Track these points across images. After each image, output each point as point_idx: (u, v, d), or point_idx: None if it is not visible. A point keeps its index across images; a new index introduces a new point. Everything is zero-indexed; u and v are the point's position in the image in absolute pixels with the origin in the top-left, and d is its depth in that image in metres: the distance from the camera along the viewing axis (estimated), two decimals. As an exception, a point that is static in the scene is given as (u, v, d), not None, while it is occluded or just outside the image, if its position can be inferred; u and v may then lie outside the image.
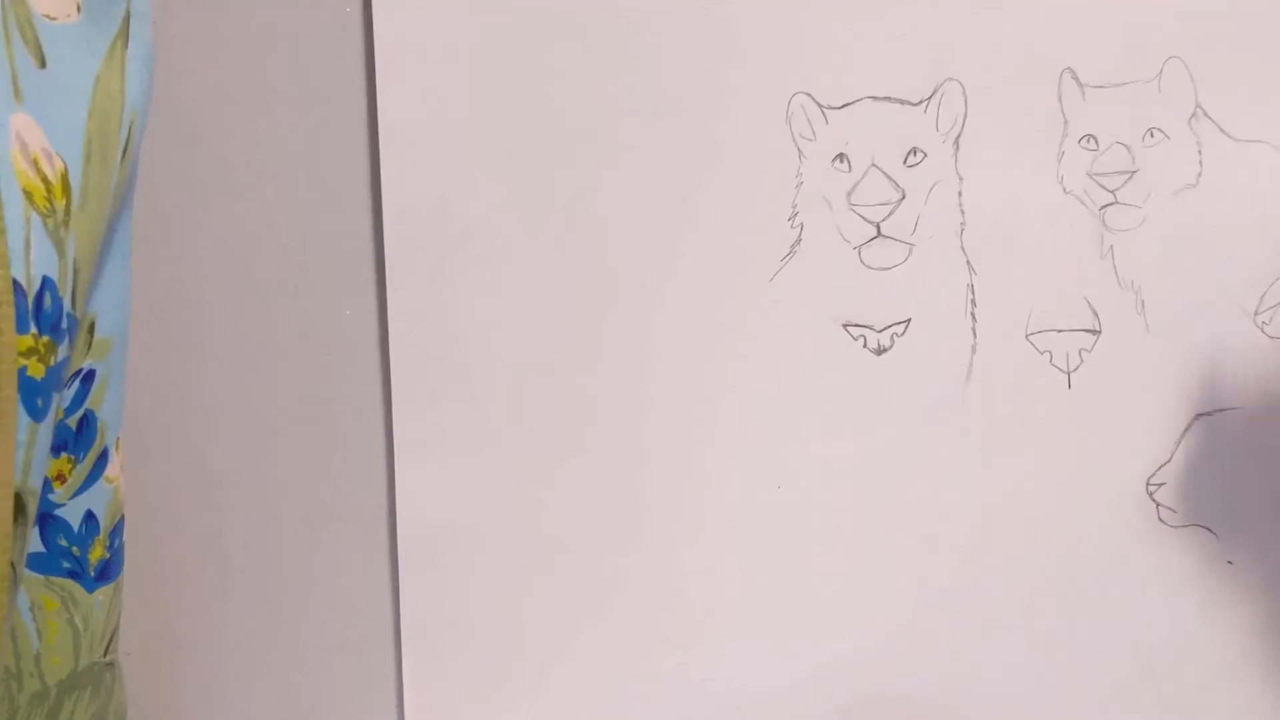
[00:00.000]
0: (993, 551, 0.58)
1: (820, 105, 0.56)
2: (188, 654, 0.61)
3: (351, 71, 0.57)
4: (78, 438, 0.36)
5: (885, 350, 0.57)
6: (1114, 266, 0.56)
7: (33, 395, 0.29)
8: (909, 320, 0.57)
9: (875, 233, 0.56)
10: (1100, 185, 0.56)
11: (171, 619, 0.60)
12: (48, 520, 0.36)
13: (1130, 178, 0.56)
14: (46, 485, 0.36)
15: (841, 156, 0.56)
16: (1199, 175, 0.56)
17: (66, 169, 0.31)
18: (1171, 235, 0.56)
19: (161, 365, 0.58)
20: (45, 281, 0.29)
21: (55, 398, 0.31)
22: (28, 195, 0.29)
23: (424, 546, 0.59)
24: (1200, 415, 0.57)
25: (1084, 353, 0.57)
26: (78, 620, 0.38)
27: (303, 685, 0.61)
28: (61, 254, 0.30)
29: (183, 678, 0.61)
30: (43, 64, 0.31)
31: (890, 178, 0.56)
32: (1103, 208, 0.56)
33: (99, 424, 0.37)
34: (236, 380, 0.59)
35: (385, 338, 0.58)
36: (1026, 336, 0.57)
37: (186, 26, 0.56)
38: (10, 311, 0.28)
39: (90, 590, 0.38)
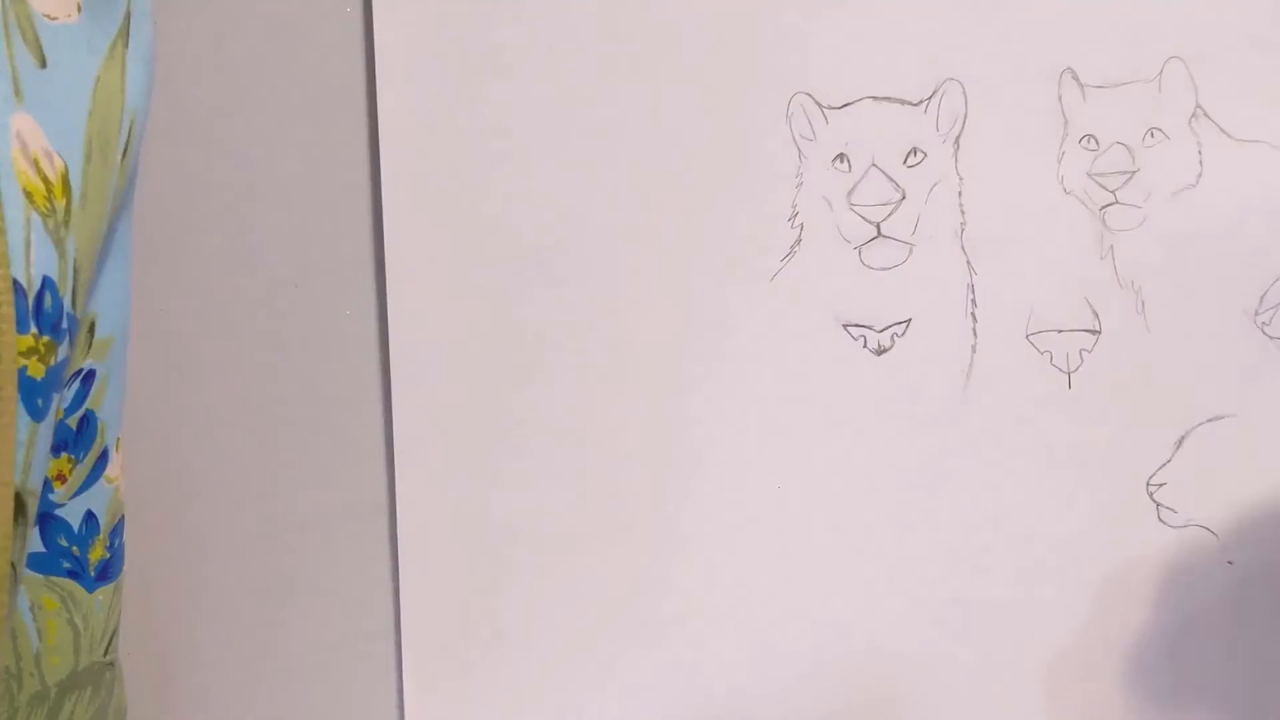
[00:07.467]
0: (993, 551, 0.58)
1: (820, 105, 0.56)
2: (188, 653, 0.61)
3: (351, 71, 0.57)
4: (78, 438, 0.36)
5: (885, 350, 0.57)
6: (1114, 266, 0.56)
7: (33, 395, 0.29)
8: (909, 320, 0.57)
9: (875, 233, 0.56)
10: (1100, 185, 0.56)
11: (171, 618, 0.60)
12: (48, 520, 0.36)
13: (1130, 178, 0.56)
14: (47, 485, 0.36)
15: (841, 156, 0.56)
16: (1199, 175, 0.56)
17: (67, 169, 0.31)
18: (1171, 235, 0.56)
19: (161, 365, 0.58)
20: (45, 281, 0.29)
21: (55, 398, 0.31)
22: (28, 195, 0.29)
23: (424, 546, 0.59)
24: (1200, 415, 0.57)
25: (1084, 353, 0.57)
26: (78, 620, 0.38)
27: (303, 685, 0.61)
28: (61, 254, 0.30)
29: (183, 677, 0.61)
30: (43, 64, 0.31)
31: (890, 178, 0.56)
32: (1103, 208, 0.56)
33: (99, 424, 0.37)
34: (237, 380, 0.59)
35: (385, 338, 0.58)
36: (1026, 336, 0.57)
37: (186, 26, 0.56)
38: (10, 311, 0.28)
39: (90, 590, 0.38)
